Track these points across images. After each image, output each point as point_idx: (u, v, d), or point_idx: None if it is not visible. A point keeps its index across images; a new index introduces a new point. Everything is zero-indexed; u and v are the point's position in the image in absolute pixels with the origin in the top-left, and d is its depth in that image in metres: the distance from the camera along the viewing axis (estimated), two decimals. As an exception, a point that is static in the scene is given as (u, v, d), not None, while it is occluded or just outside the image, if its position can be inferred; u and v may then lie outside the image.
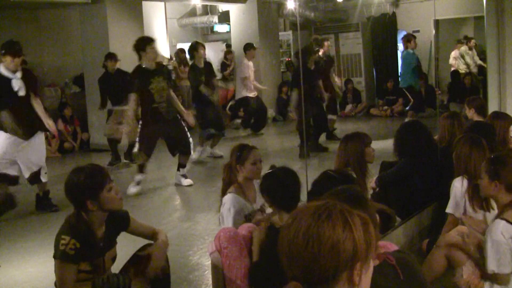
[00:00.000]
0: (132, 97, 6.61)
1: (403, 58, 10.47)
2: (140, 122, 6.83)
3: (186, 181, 7.10)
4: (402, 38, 10.60)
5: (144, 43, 6.59)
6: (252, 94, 10.92)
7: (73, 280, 2.89)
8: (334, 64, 8.88)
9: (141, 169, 6.88)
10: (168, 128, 6.76)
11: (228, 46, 11.16)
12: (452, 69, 13.29)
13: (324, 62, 9.38)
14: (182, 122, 6.91)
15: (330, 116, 9.51)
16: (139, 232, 3.28)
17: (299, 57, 8.79)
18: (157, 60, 6.85)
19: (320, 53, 9.44)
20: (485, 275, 3.17)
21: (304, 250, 1.50)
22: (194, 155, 8.31)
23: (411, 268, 2.13)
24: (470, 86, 12.13)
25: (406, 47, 10.21)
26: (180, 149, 6.95)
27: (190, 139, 7.00)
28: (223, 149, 8.69)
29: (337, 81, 10.64)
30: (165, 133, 6.83)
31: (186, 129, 6.97)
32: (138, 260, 3.19)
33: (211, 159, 8.75)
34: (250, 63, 10.70)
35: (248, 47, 10.70)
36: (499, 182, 3.12)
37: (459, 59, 13.24)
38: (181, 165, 7.11)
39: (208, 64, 8.76)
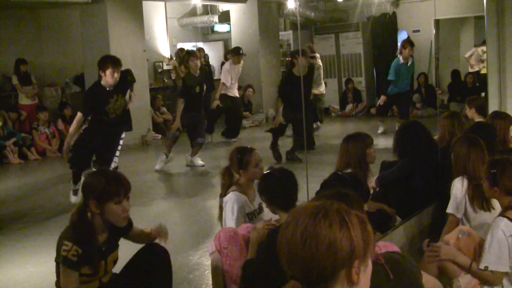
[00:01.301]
0: (77, 116, 6.10)
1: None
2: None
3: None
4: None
5: (105, 65, 5.94)
6: (230, 93, 10.38)
7: (76, 285, 2.88)
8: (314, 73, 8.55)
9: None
10: (106, 137, 6.31)
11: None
12: (473, 69, 13.12)
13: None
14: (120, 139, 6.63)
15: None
16: (137, 238, 3.27)
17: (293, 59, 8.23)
18: (115, 82, 6.03)
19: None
20: (481, 277, 3.15)
21: (302, 249, 1.51)
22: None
23: (402, 267, 2.13)
24: (471, 86, 12.12)
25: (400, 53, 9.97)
26: (100, 161, 6.40)
27: (114, 163, 6.58)
28: (221, 153, 8.68)
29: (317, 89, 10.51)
30: (99, 144, 6.28)
31: (118, 149, 6.62)
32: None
33: (210, 160, 8.74)
34: (233, 67, 10.30)
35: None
36: (499, 189, 3.13)
37: (479, 58, 13.06)
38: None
39: (204, 71, 8.44)
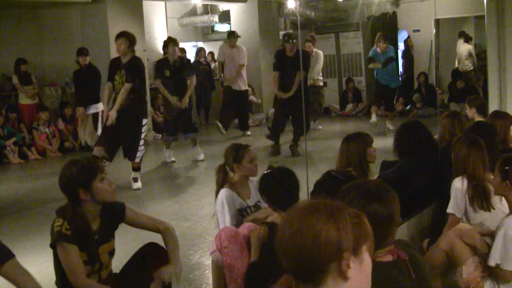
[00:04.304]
0: (106, 85, 6.92)
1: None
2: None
3: (135, 185, 6.96)
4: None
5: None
6: (235, 86, 10.39)
7: (81, 264, 2.89)
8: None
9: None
10: (124, 125, 6.75)
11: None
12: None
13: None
14: (142, 126, 6.84)
15: None
16: (139, 224, 3.25)
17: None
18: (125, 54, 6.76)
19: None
20: (487, 273, 3.17)
21: (290, 244, 1.54)
22: (166, 158, 8.27)
23: (420, 266, 2.14)
24: (464, 88, 12.09)
25: (376, 46, 10.26)
26: (126, 151, 6.88)
27: (141, 147, 6.87)
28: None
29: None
30: (122, 130, 6.77)
31: (141, 135, 6.86)
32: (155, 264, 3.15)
33: (209, 159, 8.73)
34: (228, 50, 10.42)
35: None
36: (510, 182, 3.16)
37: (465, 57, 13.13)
38: (134, 169, 6.98)
39: (181, 60, 8.39)
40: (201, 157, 8.51)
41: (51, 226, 2.94)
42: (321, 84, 11.05)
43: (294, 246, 1.53)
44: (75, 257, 2.88)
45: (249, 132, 10.82)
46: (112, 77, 6.83)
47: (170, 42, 8.19)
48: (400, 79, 11.02)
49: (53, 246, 2.96)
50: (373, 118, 10.53)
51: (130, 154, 6.88)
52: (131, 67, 6.72)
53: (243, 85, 10.49)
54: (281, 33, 13.94)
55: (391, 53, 10.52)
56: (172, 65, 8.08)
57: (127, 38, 6.73)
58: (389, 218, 2.07)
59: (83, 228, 2.92)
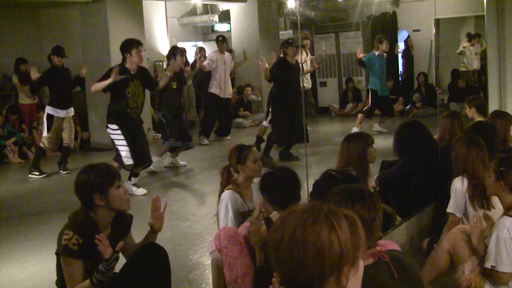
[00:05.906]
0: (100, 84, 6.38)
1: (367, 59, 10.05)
2: (113, 127, 6.46)
3: (140, 191, 6.74)
4: (375, 40, 10.22)
5: (131, 46, 6.41)
6: (221, 94, 10.06)
7: (81, 276, 2.89)
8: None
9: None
10: (135, 134, 6.60)
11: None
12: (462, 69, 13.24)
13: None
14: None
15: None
16: (128, 247, 3.24)
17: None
18: (141, 64, 6.60)
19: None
20: (486, 274, 3.17)
21: (290, 257, 1.49)
22: (151, 165, 7.70)
23: (405, 266, 2.14)
24: (465, 87, 12.11)
25: (377, 49, 9.99)
26: (139, 159, 6.65)
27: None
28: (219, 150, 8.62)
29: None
30: (132, 138, 6.56)
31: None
32: None
33: (209, 159, 8.73)
34: (219, 57, 10.02)
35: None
36: (504, 183, 3.15)
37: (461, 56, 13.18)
38: (133, 175, 6.78)
39: (181, 72, 8.17)
40: (182, 163, 8.33)
41: (59, 234, 2.94)
42: (309, 86, 11.04)
43: (294, 260, 1.48)
44: (77, 271, 2.89)
45: (229, 137, 10.57)
46: (121, 89, 6.37)
47: (176, 53, 8.03)
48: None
49: (58, 254, 2.97)
50: (377, 127, 10.38)
51: (148, 157, 6.81)
52: (144, 75, 6.65)
53: (228, 93, 10.29)
54: (281, 32, 13.99)
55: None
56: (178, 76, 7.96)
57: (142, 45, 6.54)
58: (371, 221, 2.10)
59: (92, 234, 2.90)
